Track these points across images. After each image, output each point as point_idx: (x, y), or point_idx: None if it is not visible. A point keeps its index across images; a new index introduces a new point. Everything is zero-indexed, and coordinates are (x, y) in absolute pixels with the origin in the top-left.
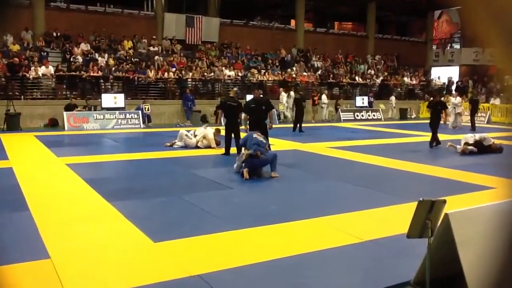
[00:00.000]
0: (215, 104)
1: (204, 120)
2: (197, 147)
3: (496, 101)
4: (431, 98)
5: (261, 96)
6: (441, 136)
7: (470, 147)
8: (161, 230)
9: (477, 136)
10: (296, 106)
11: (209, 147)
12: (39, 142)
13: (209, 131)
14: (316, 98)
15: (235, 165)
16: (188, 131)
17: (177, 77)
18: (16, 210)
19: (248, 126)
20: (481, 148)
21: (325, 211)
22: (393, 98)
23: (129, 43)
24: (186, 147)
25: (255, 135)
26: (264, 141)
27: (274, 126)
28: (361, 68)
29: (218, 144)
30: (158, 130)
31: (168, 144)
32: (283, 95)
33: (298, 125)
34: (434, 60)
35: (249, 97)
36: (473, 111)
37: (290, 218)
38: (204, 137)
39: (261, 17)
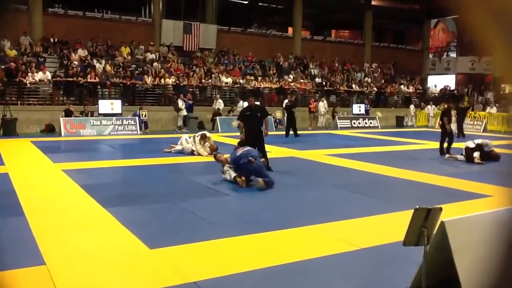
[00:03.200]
0: (212, 111)
1: (201, 127)
2: (192, 153)
3: (493, 110)
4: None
5: (256, 103)
6: (437, 145)
7: (476, 153)
8: (157, 236)
9: (479, 140)
10: (287, 112)
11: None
12: (35, 148)
13: (201, 146)
14: (313, 106)
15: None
16: (190, 136)
17: (174, 83)
18: (11, 215)
19: (243, 134)
20: (482, 152)
21: (322, 219)
22: (412, 106)
23: (127, 49)
24: (183, 151)
25: (238, 153)
26: (249, 151)
27: (270, 133)
28: (358, 76)
29: (215, 149)
30: (155, 136)
31: (167, 150)
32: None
33: (290, 130)
34: (430, 68)
35: (246, 104)
36: (460, 119)
37: (287, 226)
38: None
39: (258, 24)
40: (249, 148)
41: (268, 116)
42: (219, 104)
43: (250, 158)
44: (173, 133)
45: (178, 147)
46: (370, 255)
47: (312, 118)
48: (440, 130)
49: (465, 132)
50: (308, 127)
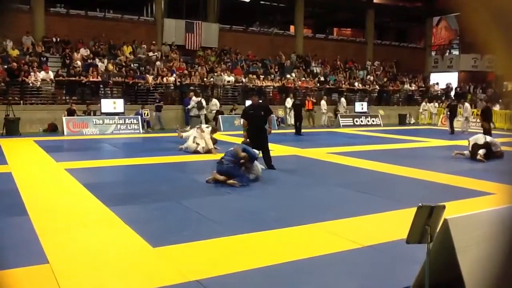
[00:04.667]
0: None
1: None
2: (195, 152)
3: (496, 107)
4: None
5: (260, 101)
6: (441, 142)
7: (481, 151)
8: (159, 235)
9: (488, 138)
10: (295, 111)
11: (208, 152)
12: (38, 147)
13: (206, 132)
14: (309, 103)
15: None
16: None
17: (177, 82)
18: (15, 215)
19: (246, 132)
20: (489, 151)
21: (324, 217)
22: (423, 104)
23: (129, 48)
24: (187, 150)
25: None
26: (233, 158)
27: (273, 131)
28: (361, 74)
29: (215, 142)
30: (157, 135)
31: (182, 146)
32: (288, 100)
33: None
34: (433, 66)
35: (248, 102)
36: (452, 116)
37: (289, 224)
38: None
39: (260, 23)
40: (236, 147)
41: (272, 115)
42: (193, 102)
43: (222, 160)
44: (175, 131)
45: (184, 146)
46: (373, 253)
47: (309, 116)
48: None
49: (468, 130)
50: (307, 125)
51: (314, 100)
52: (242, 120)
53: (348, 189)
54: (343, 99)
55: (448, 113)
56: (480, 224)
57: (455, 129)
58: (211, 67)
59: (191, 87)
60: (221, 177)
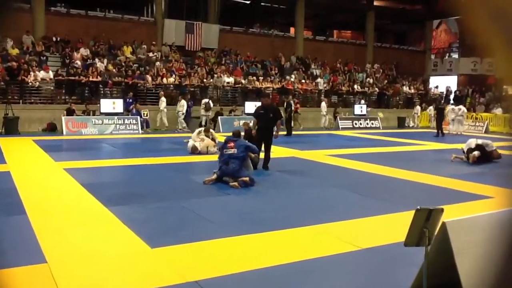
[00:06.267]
0: (213, 111)
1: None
2: (193, 153)
3: (498, 111)
4: None
5: (271, 103)
6: (438, 146)
7: (476, 152)
8: (158, 235)
9: (480, 141)
10: (287, 112)
11: (206, 152)
12: (37, 147)
13: (206, 138)
14: (296, 106)
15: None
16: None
17: (176, 83)
18: (13, 214)
19: (255, 131)
20: (484, 153)
21: (323, 219)
22: (418, 107)
23: (129, 48)
24: (189, 151)
25: (225, 151)
26: (236, 151)
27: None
28: (360, 76)
29: (214, 140)
30: (156, 135)
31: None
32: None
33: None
34: (432, 69)
35: (247, 104)
36: (439, 119)
37: (288, 225)
38: (201, 140)
39: (260, 24)
40: (230, 152)
41: (281, 119)
42: (162, 103)
43: (228, 161)
44: (175, 132)
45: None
46: (371, 255)
47: (297, 119)
48: None
49: (462, 132)
50: (298, 128)
51: (297, 104)
52: (252, 120)
53: (347, 191)
54: (362, 101)
55: (436, 115)
56: (478, 227)
57: (446, 131)
58: (210, 68)
59: (191, 88)
60: (234, 183)
